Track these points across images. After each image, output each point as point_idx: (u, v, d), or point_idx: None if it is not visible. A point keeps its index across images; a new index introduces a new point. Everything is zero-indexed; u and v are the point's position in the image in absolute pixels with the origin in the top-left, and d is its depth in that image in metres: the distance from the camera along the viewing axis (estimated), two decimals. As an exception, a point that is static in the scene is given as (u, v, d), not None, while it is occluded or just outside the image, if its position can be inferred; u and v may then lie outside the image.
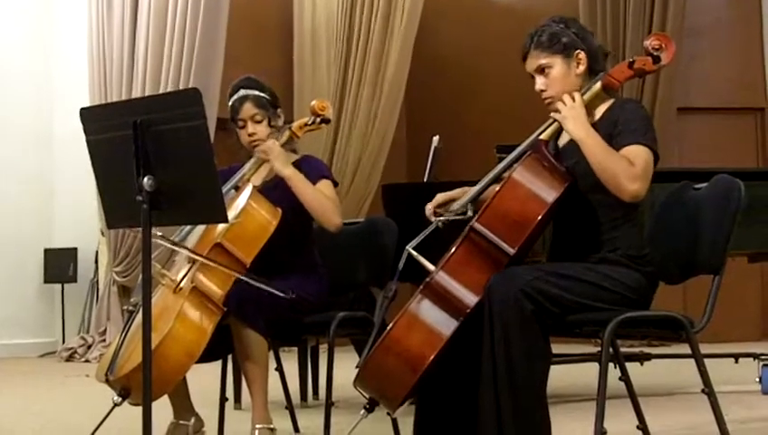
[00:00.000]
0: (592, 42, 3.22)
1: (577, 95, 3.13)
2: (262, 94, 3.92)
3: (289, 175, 3.80)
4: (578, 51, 3.17)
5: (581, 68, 3.17)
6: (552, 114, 3.16)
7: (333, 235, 3.87)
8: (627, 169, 2.97)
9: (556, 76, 3.17)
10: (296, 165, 3.92)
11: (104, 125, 2.90)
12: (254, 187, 3.76)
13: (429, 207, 3.30)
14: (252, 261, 3.62)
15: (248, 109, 3.90)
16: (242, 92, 3.92)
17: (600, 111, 3.19)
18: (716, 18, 9.60)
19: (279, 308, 3.66)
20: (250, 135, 3.90)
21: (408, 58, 9.49)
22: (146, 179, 2.72)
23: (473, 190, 3.24)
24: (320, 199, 3.81)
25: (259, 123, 3.90)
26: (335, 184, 3.95)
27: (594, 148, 3.02)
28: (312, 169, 3.93)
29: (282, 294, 3.52)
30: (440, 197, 3.32)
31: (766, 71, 9.62)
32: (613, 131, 3.07)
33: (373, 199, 9.17)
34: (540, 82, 3.20)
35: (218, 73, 8.31)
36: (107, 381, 3.40)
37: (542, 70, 3.19)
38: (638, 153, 3.00)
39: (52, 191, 9.35)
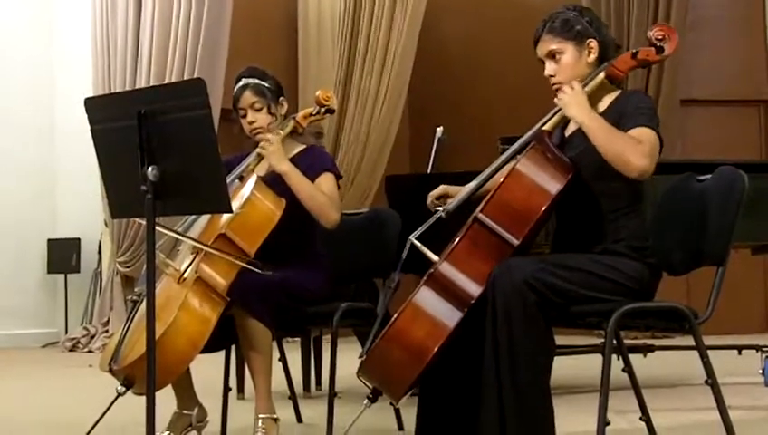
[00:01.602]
0: (605, 32, 3.22)
1: (575, 83, 3.12)
2: (262, 83, 3.92)
3: (285, 171, 3.79)
4: (590, 39, 3.17)
5: (592, 57, 3.17)
6: (555, 100, 3.16)
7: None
8: (633, 146, 2.96)
9: (566, 62, 3.17)
10: (301, 155, 3.93)
11: (108, 115, 2.90)
12: (259, 177, 3.76)
13: (430, 198, 3.32)
14: (255, 251, 3.62)
15: (247, 97, 3.90)
16: (243, 81, 3.93)
17: (605, 103, 3.18)
18: (720, 10, 9.57)
19: (282, 298, 3.66)
20: (250, 123, 3.91)
21: (411, 50, 9.50)
22: (150, 169, 2.71)
23: (472, 183, 3.25)
24: (315, 197, 3.79)
25: (259, 111, 3.90)
26: (339, 177, 3.95)
27: (598, 130, 3.01)
28: (315, 160, 3.92)
29: (258, 270, 3.49)
30: (443, 189, 3.33)
31: (770, 63, 9.62)
32: (619, 121, 3.06)
33: (377, 190, 9.17)
34: (549, 68, 3.20)
35: (223, 64, 8.30)
36: (110, 371, 3.40)
37: (552, 55, 3.19)
38: (644, 133, 3.00)
39: (55, 181, 9.34)
